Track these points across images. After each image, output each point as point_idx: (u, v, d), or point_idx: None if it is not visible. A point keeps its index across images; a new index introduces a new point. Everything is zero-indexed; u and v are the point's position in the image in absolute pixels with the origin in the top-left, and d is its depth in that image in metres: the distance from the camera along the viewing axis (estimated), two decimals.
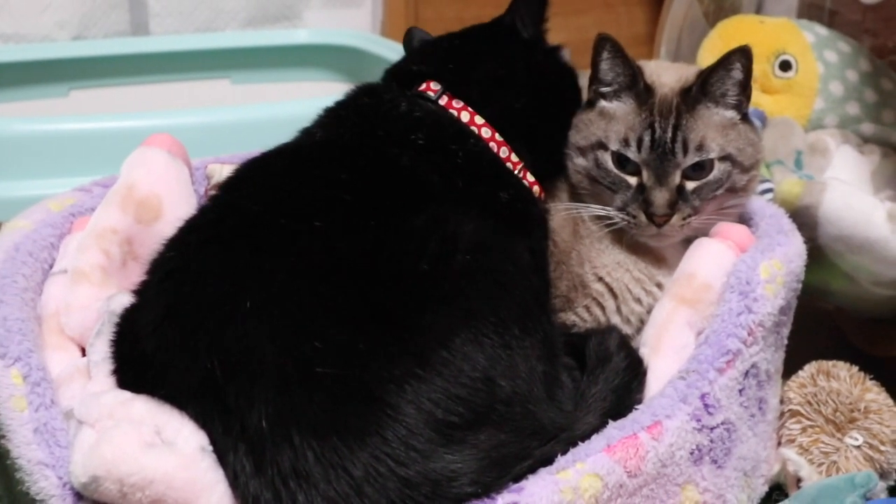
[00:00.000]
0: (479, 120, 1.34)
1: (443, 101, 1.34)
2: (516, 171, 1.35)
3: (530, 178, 1.37)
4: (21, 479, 1.06)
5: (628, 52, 1.36)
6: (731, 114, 1.36)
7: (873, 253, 1.47)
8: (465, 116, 1.34)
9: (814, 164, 1.76)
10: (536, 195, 1.37)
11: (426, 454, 1.00)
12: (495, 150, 1.34)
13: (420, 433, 1.00)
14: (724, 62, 1.34)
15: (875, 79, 1.88)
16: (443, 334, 1.05)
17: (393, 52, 2.19)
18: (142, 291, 1.18)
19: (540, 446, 1.08)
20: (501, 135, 1.34)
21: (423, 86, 1.36)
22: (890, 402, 1.42)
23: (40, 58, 2.33)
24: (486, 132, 1.33)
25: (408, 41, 1.48)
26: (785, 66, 1.86)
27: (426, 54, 1.43)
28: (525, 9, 1.41)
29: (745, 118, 1.37)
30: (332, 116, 1.35)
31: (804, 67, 1.86)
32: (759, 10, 2.08)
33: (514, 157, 1.35)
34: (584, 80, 1.44)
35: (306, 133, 1.34)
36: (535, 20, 1.41)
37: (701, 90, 1.34)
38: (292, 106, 1.91)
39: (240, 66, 2.45)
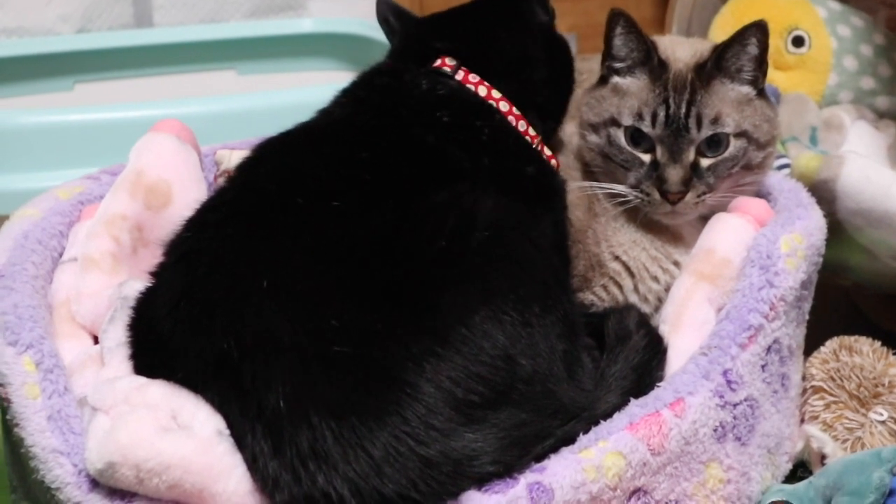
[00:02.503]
0: (496, 94, 1.32)
1: (459, 76, 1.32)
2: (534, 145, 1.34)
3: (547, 151, 1.36)
4: (35, 468, 1.05)
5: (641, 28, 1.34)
6: (747, 89, 1.34)
7: (893, 227, 1.45)
8: (482, 91, 1.32)
9: (829, 139, 1.75)
10: (554, 167, 1.36)
11: (446, 433, 0.98)
12: (514, 123, 1.32)
13: (440, 412, 0.99)
14: (740, 37, 1.32)
15: (889, 52, 1.86)
16: (462, 312, 1.03)
17: None
18: (158, 273, 1.16)
19: (561, 426, 1.06)
20: (518, 108, 1.33)
21: (439, 62, 1.34)
22: None
23: (44, 52, 2.32)
24: (503, 106, 1.32)
25: (383, 14, 1.42)
26: (798, 41, 1.84)
27: (437, 28, 1.40)
28: None
29: (761, 94, 1.35)
30: (350, 97, 1.33)
31: (817, 43, 1.84)
32: None
33: (531, 131, 1.34)
34: (592, 64, 1.43)
35: (324, 113, 1.32)
36: None
37: (716, 65, 1.32)
38: (300, 93, 1.90)
39: (245, 57, 2.43)
